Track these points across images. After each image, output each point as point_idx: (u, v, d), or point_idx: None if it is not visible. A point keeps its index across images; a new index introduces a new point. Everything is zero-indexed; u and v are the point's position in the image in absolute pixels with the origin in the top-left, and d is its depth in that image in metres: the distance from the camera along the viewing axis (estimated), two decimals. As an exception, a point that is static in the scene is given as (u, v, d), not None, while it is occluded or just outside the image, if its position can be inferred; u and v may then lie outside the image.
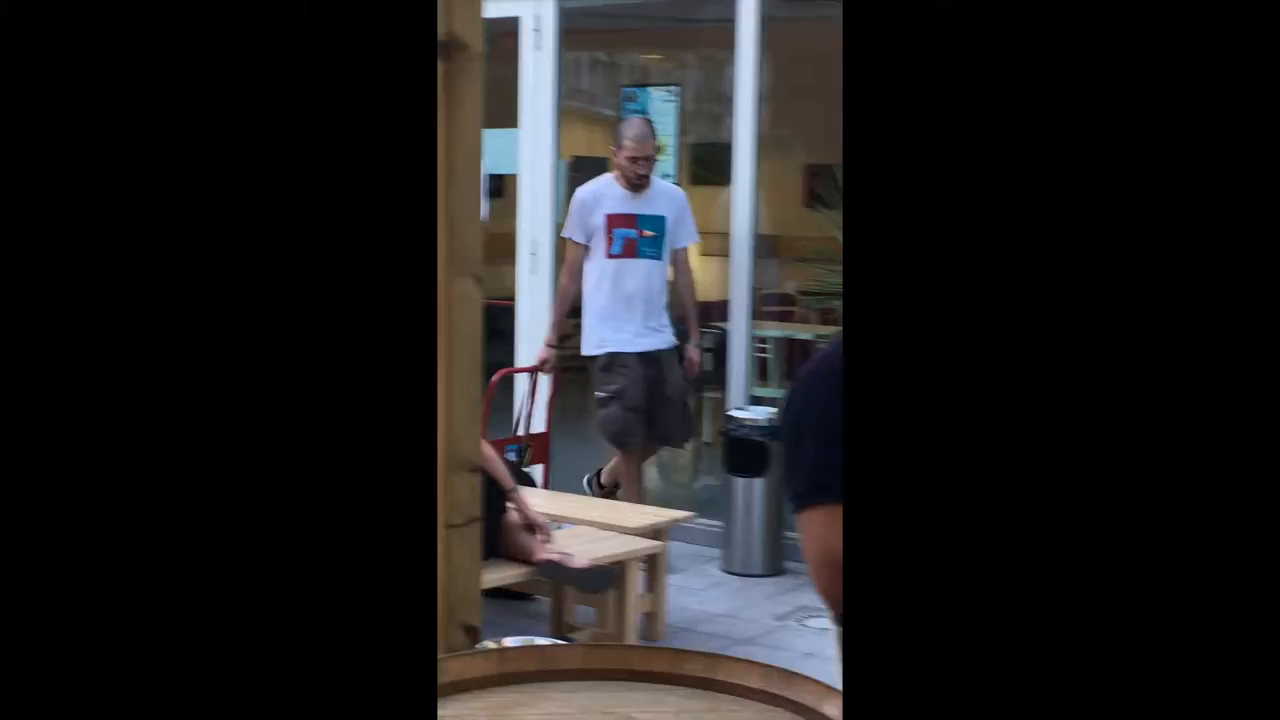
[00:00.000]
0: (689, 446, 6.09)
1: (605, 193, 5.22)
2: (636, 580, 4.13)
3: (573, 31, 6.25)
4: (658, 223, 5.22)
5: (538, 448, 5.49)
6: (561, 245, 5.66)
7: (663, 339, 5.23)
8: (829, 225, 6.23)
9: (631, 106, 6.12)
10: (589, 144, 9.44)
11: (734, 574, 5.16)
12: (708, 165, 8.02)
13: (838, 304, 5.76)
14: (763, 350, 7.14)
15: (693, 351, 5.35)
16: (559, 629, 4.21)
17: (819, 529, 1.80)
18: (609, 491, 5.46)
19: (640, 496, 5.24)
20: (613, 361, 5.15)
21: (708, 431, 6.27)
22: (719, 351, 5.97)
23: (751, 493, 5.11)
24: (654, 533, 4.39)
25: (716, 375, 6.06)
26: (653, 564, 4.32)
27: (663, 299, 5.25)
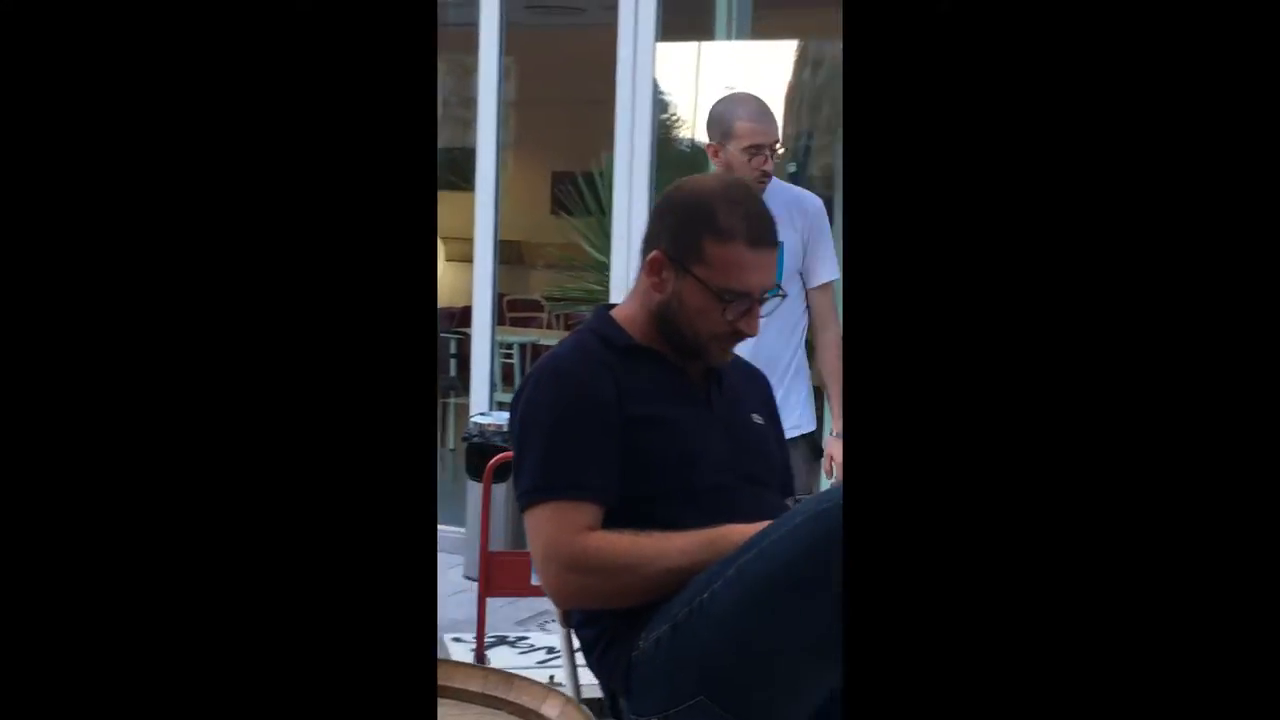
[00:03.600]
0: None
1: None
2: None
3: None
4: None
5: None
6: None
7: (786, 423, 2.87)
8: (574, 232, 6.28)
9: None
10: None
11: (476, 580, 5.12)
12: (454, 170, 7.96)
13: (582, 309, 5.80)
14: (508, 356, 7.14)
15: (831, 445, 3.29)
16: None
17: (544, 526, 1.80)
18: None
19: None
20: None
21: (451, 438, 6.22)
22: (462, 357, 5.92)
23: (494, 499, 5.08)
24: (393, 541, 4.31)
25: (460, 380, 6.00)
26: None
27: (787, 364, 3.31)
